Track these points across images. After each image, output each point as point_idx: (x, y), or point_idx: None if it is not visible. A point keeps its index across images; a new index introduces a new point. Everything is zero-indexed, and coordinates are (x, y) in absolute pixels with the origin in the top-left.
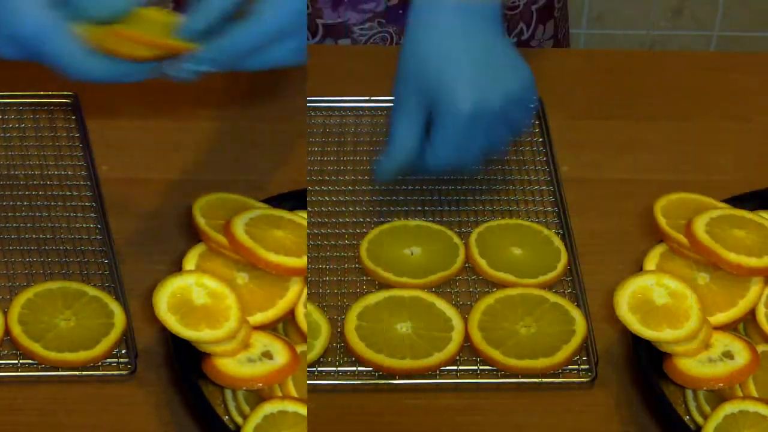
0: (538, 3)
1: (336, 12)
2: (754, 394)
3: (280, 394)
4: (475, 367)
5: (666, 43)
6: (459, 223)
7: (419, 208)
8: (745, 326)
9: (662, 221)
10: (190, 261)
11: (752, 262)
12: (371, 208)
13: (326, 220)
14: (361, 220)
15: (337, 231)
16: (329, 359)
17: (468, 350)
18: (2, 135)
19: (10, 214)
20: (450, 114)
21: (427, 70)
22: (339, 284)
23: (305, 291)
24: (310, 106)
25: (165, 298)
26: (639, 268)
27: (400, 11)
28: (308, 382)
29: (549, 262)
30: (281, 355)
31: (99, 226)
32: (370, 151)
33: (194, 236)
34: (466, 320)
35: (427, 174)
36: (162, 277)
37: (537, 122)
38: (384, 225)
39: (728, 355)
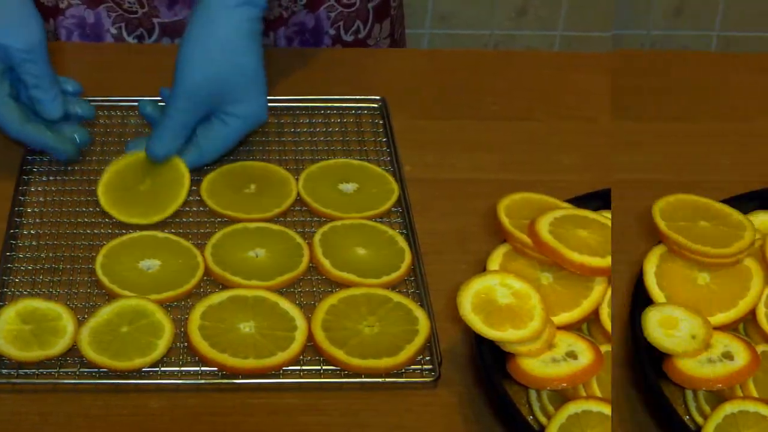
0: (374, 1)
1: (172, 10)
2: (754, 394)
3: (584, 394)
4: (319, 367)
5: (666, 43)
6: (302, 223)
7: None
8: (745, 326)
9: (505, 221)
10: (495, 261)
11: (595, 262)
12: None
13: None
14: (206, 220)
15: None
16: (172, 359)
17: (311, 350)
18: (309, 139)
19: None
20: (242, 119)
21: (215, 75)
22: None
23: (609, 291)
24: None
25: (469, 299)
26: (483, 268)
27: None
28: (151, 381)
29: (393, 262)
30: (585, 355)
31: (404, 229)
32: None
33: (499, 236)
34: (309, 320)
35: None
36: (466, 278)
37: (381, 122)
38: (226, 228)
39: (728, 355)
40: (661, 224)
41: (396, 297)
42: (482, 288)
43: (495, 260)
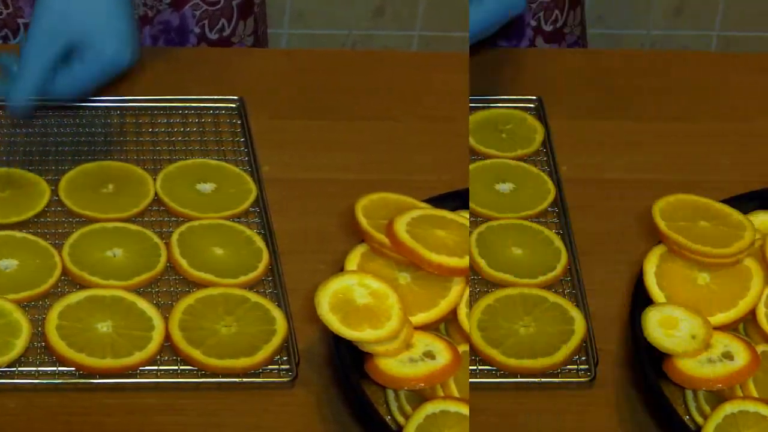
0: None
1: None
2: (754, 394)
3: (442, 394)
4: (176, 367)
5: (666, 43)
6: (160, 222)
7: None
8: (745, 326)
9: (363, 221)
10: (352, 261)
11: (453, 262)
12: None
13: None
14: (63, 220)
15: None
16: (30, 359)
17: (169, 350)
18: (167, 139)
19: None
20: (101, 58)
21: (69, 9)
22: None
23: (467, 291)
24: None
25: (327, 299)
26: (341, 268)
27: None
28: (8, 381)
29: (250, 262)
30: (443, 355)
31: (261, 229)
32: None
33: (357, 236)
34: (167, 320)
35: (54, 99)
36: (324, 278)
37: (239, 122)
38: (84, 228)
39: (728, 355)
40: (661, 224)
41: (254, 297)
42: (340, 288)
43: (353, 260)
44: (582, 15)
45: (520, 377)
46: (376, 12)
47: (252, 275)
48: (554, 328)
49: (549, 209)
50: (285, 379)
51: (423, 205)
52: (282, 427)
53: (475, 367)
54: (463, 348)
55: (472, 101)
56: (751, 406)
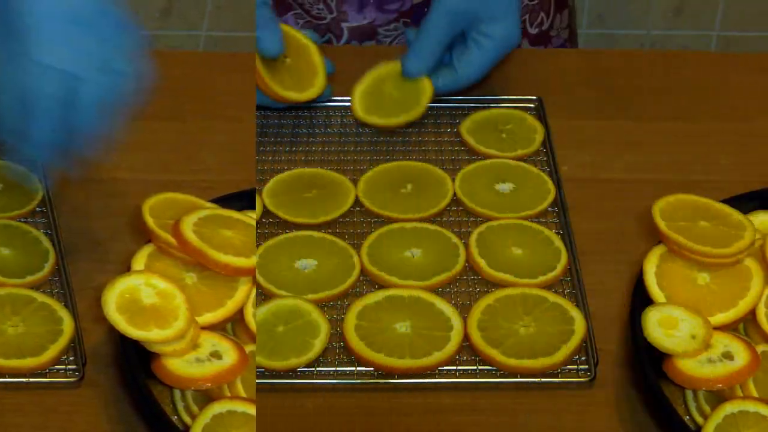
0: None
1: (361, 14)
2: (754, 394)
3: (228, 394)
4: (474, 367)
5: (666, 42)
6: (458, 222)
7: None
8: (745, 326)
9: (150, 221)
10: (139, 261)
11: (240, 262)
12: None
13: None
14: (362, 220)
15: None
16: (328, 359)
17: (467, 350)
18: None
19: None
20: (496, 40)
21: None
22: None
23: (254, 291)
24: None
25: (114, 299)
26: (128, 268)
27: (426, 9)
28: (306, 381)
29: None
30: (230, 355)
31: (48, 229)
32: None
33: (143, 236)
34: (465, 320)
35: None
36: (111, 278)
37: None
38: (382, 228)
39: (728, 355)
40: (661, 224)
41: (40, 297)
42: (126, 288)
43: (140, 260)
44: (570, 18)
45: (520, 377)
46: (676, 11)
47: (551, 275)
48: (554, 328)
49: (549, 209)
50: (71, 379)
51: (210, 205)
52: (69, 427)
53: (475, 367)
54: (250, 348)
55: (472, 101)
56: (751, 406)
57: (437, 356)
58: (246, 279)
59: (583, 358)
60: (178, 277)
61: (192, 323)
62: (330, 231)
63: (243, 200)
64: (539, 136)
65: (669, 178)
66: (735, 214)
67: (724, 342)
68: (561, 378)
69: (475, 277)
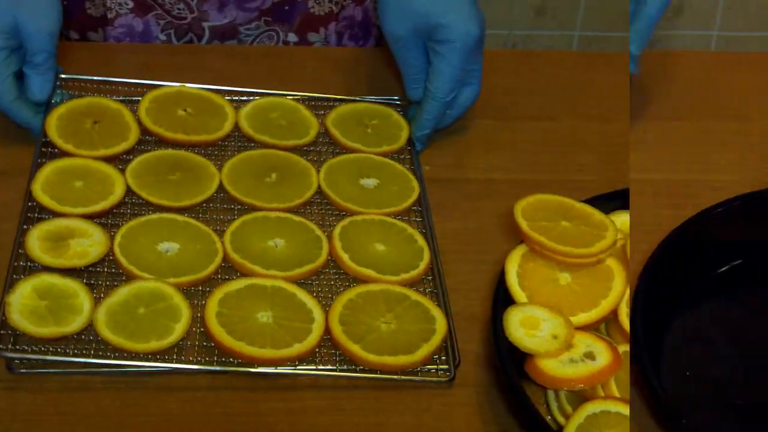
0: None
1: (222, 13)
2: (616, 394)
3: (602, 394)
4: (335, 366)
5: (666, 43)
6: (321, 215)
7: None
8: (607, 326)
9: (523, 223)
10: (513, 261)
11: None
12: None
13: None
14: (225, 206)
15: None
16: (188, 344)
17: (328, 345)
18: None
19: None
20: (450, 44)
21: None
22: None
23: (628, 290)
24: None
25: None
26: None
27: (286, 8)
28: (167, 365)
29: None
30: (603, 355)
31: (422, 228)
32: None
33: (516, 237)
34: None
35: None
36: (484, 276)
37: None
38: (246, 216)
39: (590, 355)
40: (523, 224)
41: (414, 295)
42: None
43: (514, 260)
44: None
45: (381, 374)
46: (676, 10)
47: (413, 273)
48: (415, 327)
49: (413, 208)
50: (443, 379)
51: (580, 205)
52: (443, 426)
53: (335, 367)
54: (623, 348)
55: (338, 100)
56: (612, 406)
57: (298, 348)
58: (620, 279)
59: (444, 357)
60: (552, 277)
61: (567, 324)
62: (194, 215)
63: (615, 200)
64: (405, 134)
65: (531, 178)
66: (596, 214)
67: (586, 342)
68: (421, 377)
69: (338, 271)
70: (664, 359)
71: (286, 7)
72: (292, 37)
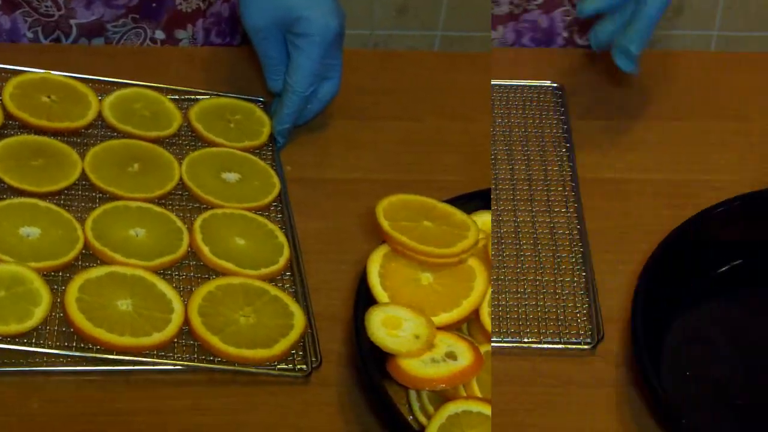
0: None
1: (90, 10)
2: (478, 394)
3: (464, 394)
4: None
5: (665, 43)
6: (182, 207)
7: None
8: (468, 326)
9: (385, 223)
10: (375, 262)
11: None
12: None
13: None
14: (87, 194)
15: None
16: (48, 329)
17: (187, 336)
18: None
19: None
20: (309, 37)
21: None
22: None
23: (490, 290)
24: None
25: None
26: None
27: (154, 5)
28: (26, 349)
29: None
30: (465, 355)
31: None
32: None
33: (377, 237)
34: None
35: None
36: (346, 276)
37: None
38: (107, 204)
39: (451, 355)
40: (385, 224)
41: (273, 290)
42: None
43: (375, 260)
44: None
45: (238, 366)
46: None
47: (273, 268)
48: (274, 321)
49: (273, 205)
50: (299, 375)
51: (442, 205)
52: (303, 424)
53: (194, 356)
54: (485, 348)
55: (201, 94)
56: (474, 406)
57: (157, 337)
58: (482, 278)
59: (301, 353)
60: (414, 277)
61: (428, 323)
62: (55, 201)
63: (476, 200)
64: (267, 130)
65: (393, 178)
66: (458, 214)
67: (447, 342)
68: (278, 371)
69: (198, 263)
70: (664, 359)
71: (154, 4)
72: (160, 34)
